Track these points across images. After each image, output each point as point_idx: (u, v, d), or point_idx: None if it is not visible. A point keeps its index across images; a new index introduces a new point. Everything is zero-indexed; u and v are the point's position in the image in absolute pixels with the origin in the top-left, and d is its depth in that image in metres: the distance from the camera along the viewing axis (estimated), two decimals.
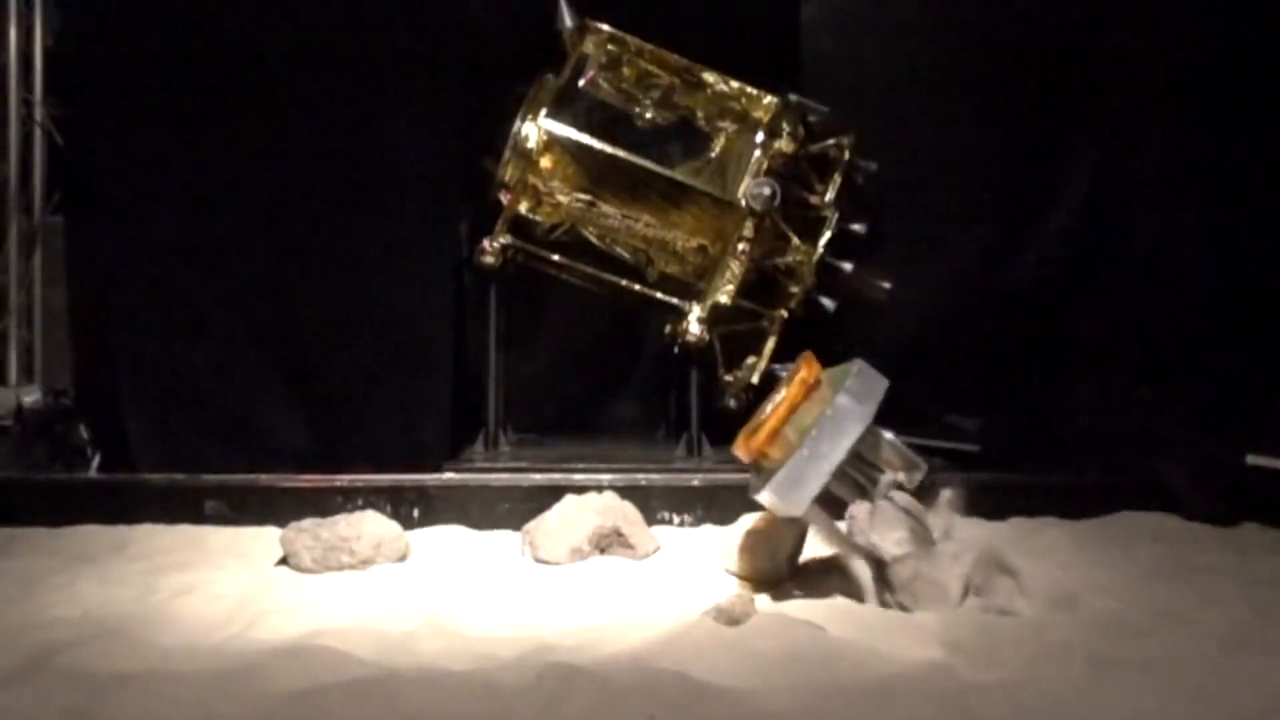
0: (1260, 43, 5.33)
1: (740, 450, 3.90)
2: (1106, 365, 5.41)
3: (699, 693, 2.94)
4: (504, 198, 5.07)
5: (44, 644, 3.30)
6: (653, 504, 4.77)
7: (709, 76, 5.10)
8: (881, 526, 3.82)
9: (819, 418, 3.67)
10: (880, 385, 3.79)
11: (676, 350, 5.17)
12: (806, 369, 3.85)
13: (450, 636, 3.46)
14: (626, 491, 4.63)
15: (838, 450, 3.65)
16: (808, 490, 3.66)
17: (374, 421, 5.21)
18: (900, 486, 3.87)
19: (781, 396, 3.79)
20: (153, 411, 5.25)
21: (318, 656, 3.15)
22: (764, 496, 3.72)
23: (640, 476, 4.88)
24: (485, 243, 5.09)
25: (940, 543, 3.85)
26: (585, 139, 4.89)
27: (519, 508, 4.72)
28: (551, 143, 4.90)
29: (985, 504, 4.86)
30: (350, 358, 5.24)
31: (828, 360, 3.97)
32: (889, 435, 3.88)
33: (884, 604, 3.76)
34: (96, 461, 5.31)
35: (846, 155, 5.18)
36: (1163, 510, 4.90)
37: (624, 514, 4.49)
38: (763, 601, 3.67)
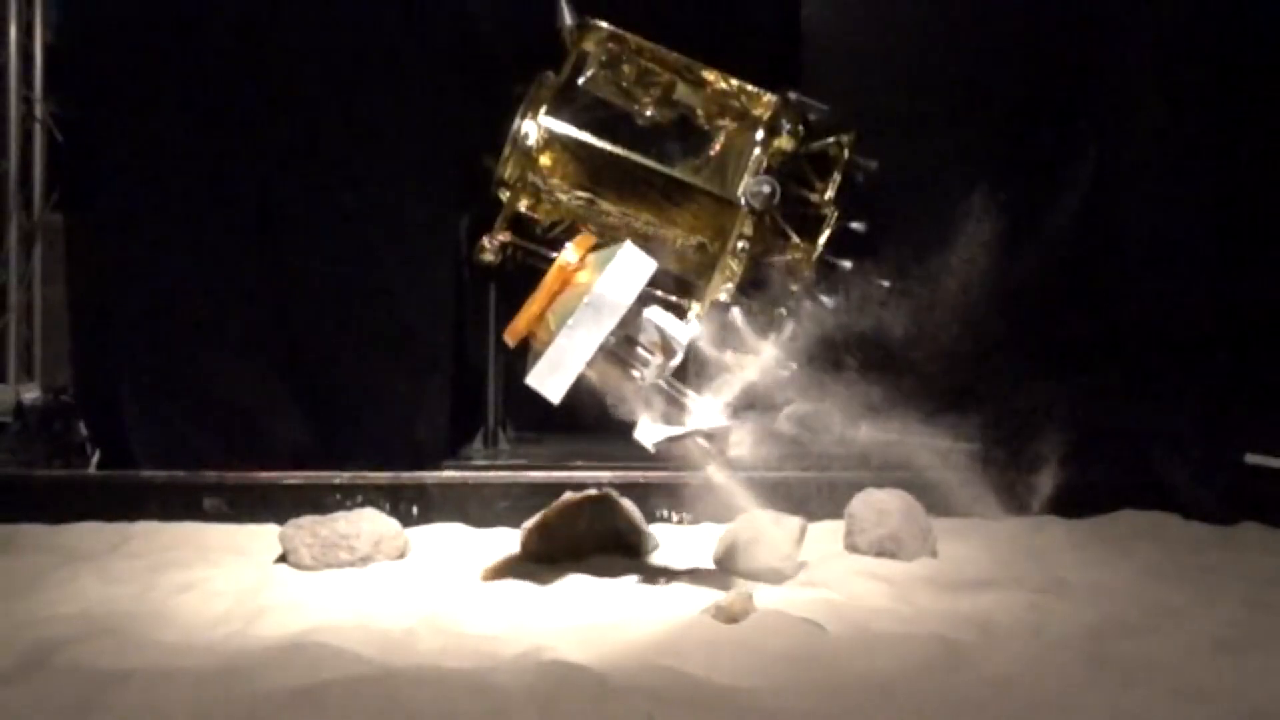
0: (1259, 42, 5.32)
1: (507, 335, 3.90)
2: (1106, 364, 5.41)
3: (698, 691, 2.94)
4: (503, 195, 5.07)
5: (44, 641, 3.30)
6: (652, 501, 4.77)
7: (709, 74, 5.09)
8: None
9: (578, 305, 3.67)
10: (645, 269, 3.78)
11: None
12: (575, 250, 3.85)
13: (449, 634, 3.46)
14: (626, 489, 4.63)
15: (595, 337, 3.67)
16: (566, 375, 3.67)
17: (373, 419, 5.21)
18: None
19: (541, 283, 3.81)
20: (152, 409, 5.25)
21: (316, 654, 3.15)
22: (529, 380, 3.71)
23: (639, 474, 4.88)
24: (485, 240, 5.06)
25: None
26: (585, 137, 4.88)
27: (518, 505, 4.73)
28: (551, 140, 4.89)
29: (985, 502, 4.89)
30: (350, 355, 5.25)
31: None
32: (654, 317, 3.88)
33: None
34: (96, 459, 5.31)
35: (846, 153, 5.17)
36: (1162, 509, 4.91)
37: (623, 512, 4.49)
38: (762, 599, 3.67)
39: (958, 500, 4.71)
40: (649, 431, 3.91)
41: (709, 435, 3.96)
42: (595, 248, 3.99)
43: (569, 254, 3.85)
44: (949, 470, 4.82)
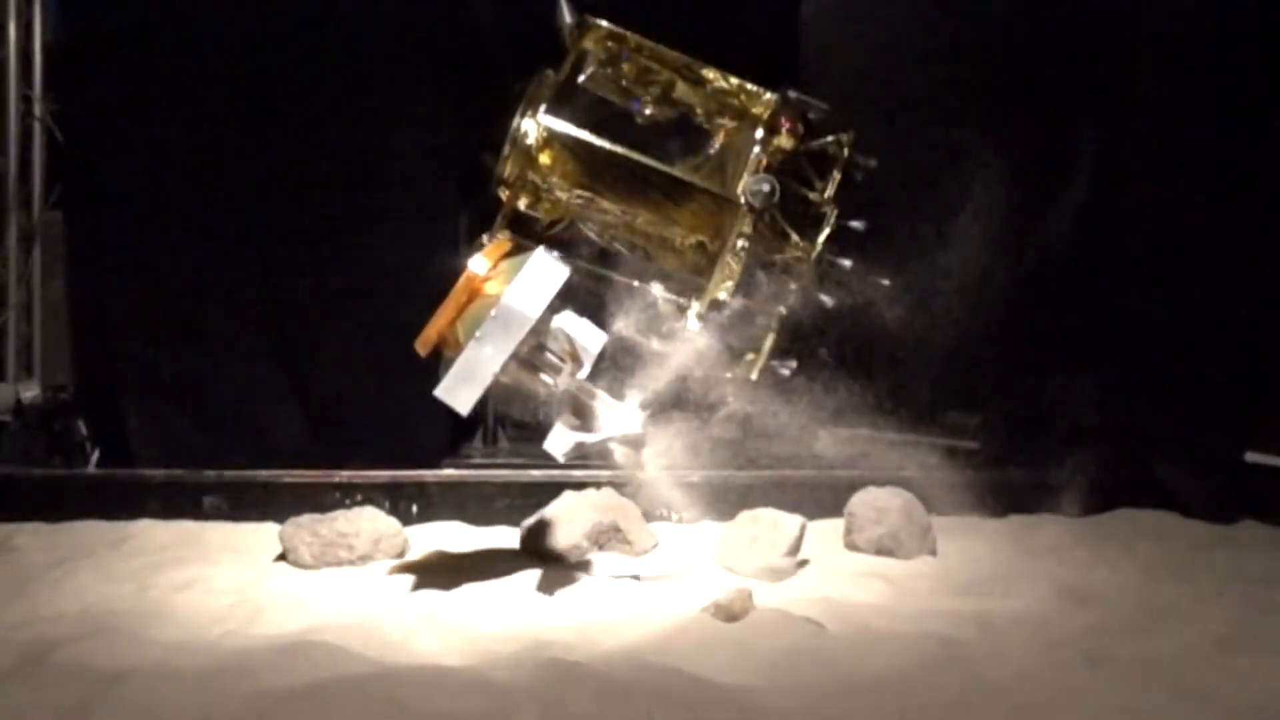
0: (1260, 42, 5.32)
1: (417, 345, 3.87)
2: (1105, 363, 5.41)
3: (698, 689, 2.94)
4: (503, 194, 5.07)
5: (43, 639, 3.30)
6: (651, 500, 4.77)
7: (708, 73, 5.09)
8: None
9: (487, 317, 3.63)
10: (557, 276, 3.74)
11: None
12: (485, 258, 3.80)
13: (448, 633, 3.46)
14: (625, 488, 4.63)
15: (503, 350, 3.62)
16: (475, 388, 3.63)
17: (372, 417, 5.21)
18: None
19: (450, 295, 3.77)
20: (151, 407, 5.25)
21: (316, 652, 3.15)
22: (437, 393, 3.68)
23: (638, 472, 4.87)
24: (484, 238, 5.08)
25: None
26: (584, 135, 4.88)
27: (517, 504, 4.72)
28: (551, 139, 4.88)
29: (985, 501, 4.89)
30: (349, 354, 5.24)
31: None
32: (566, 325, 3.85)
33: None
34: (95, 457, 5.31)
35: (846, 152, 5.17)
36: (1161, 508, 4.91)
37: (622, 510, 4.49)
38: (761, 597, 3.67)
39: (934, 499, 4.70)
40: (558, 441, 3.88)
41: (623, 442, 3.96)
42: (513, 253, 3.91)
43: (477, 263, 3.79)
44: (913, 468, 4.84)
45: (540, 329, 3.73)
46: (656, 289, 4.48)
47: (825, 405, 5.08)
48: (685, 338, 4.22)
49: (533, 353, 3.77)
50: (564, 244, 5.16)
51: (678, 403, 4.34)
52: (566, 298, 3.86)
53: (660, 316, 4.34)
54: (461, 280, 3.76)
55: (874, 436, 5.47)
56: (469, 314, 3.74)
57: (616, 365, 4.11)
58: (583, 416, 3.86)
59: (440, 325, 3.76)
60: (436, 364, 5.29)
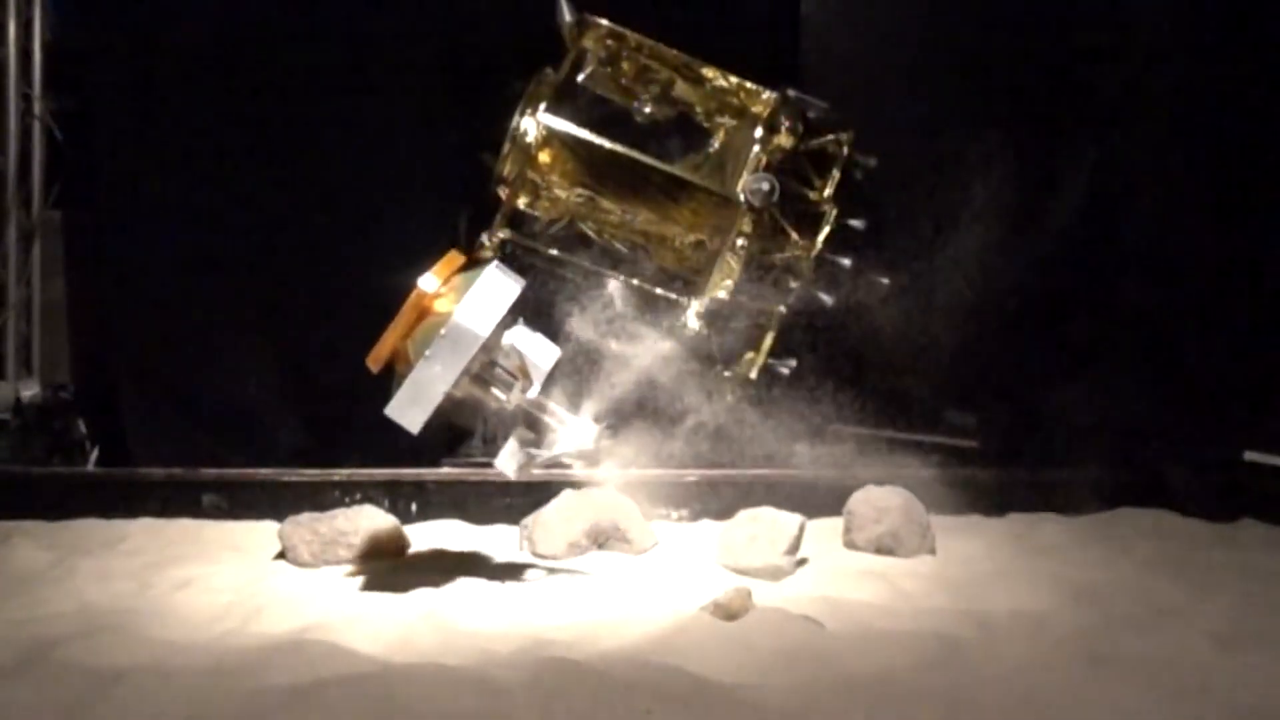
0: (1259, 44, 5.32)
1: (369, 361, 3.84)
2: (1105, 362, 5.41)
3: (697, 687, 2.94)
4: (502, 192, 5.07)
5: (43, 637, 3.30)
6: (650, 499, 4.77)
7: (708, 71, 5.09)
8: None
9: (437, 335, 3.62)
10: (508, 293, 3.72)
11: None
12: (435, 276, 3.76)
13: (448, 631, 3.46)
14: (624, 486, 4.63)
15: (453, 369, 3.62)
16: (425, 407, 3.63)
17: (371, 416, 5.20)
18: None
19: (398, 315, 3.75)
20: (150, 406, 5.25)
21: (315, 651, 3.15)
22: (388, 411, 3.67)
23: (638, 472, 4.88)
24: (484, 237, 5.07)
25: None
26: (584, 134, 4.88)
27: (517, 502, 4.72)
28: (550, 137, 4.88)
29: (985, 500, 4.89)
30: (348, 352, 5.24)
31: None
32: (518, 341, 3.84)
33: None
34: (94, 456, 5.31)
35: (845, 151, 5.17)
36: (1161, 506, 4.91)
37: (622, 509, 4.49)
38: (760, 596, 3.67)
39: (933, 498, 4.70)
40: (509, 459, 3.90)
41: (576, 457, 3.96)
42: (468, 266, 3.88)
43: (427, 281, 3.76)
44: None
45: (492, 345, 3.72)
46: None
47: (825, 404, 5.10)
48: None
49: (484, 368, 3.77)
50: (564, 242, 5.18)
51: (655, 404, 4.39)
52: (520, 311, 3.86)
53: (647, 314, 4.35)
54: (411, 297, 3.74)
55: (873, 435, 5.48)
56: (420, 331, 3.72)
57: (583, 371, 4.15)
58: (535, 432, 3.87)
59: (391, 342, 3.74)
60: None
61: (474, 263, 3.90)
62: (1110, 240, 5.47)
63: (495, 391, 3.80)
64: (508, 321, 3.79)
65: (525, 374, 3.83)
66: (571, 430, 3.90)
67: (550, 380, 3.94)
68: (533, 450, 3.88)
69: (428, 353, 3.61)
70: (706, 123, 5.16)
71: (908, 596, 3.86)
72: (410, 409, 3.63)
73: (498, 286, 3.72)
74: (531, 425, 3.86)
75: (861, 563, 4.28)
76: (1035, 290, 5.50)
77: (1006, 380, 5.49)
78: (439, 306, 3.72)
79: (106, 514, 4.77)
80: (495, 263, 3.81)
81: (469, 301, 3.65)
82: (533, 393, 3.84)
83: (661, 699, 2.85)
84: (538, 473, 3.99)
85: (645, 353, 4.38)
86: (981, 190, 5.50)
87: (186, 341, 5.28)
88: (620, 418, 4.47)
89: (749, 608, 3.53)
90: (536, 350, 3.90)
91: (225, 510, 4.83)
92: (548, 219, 5.16)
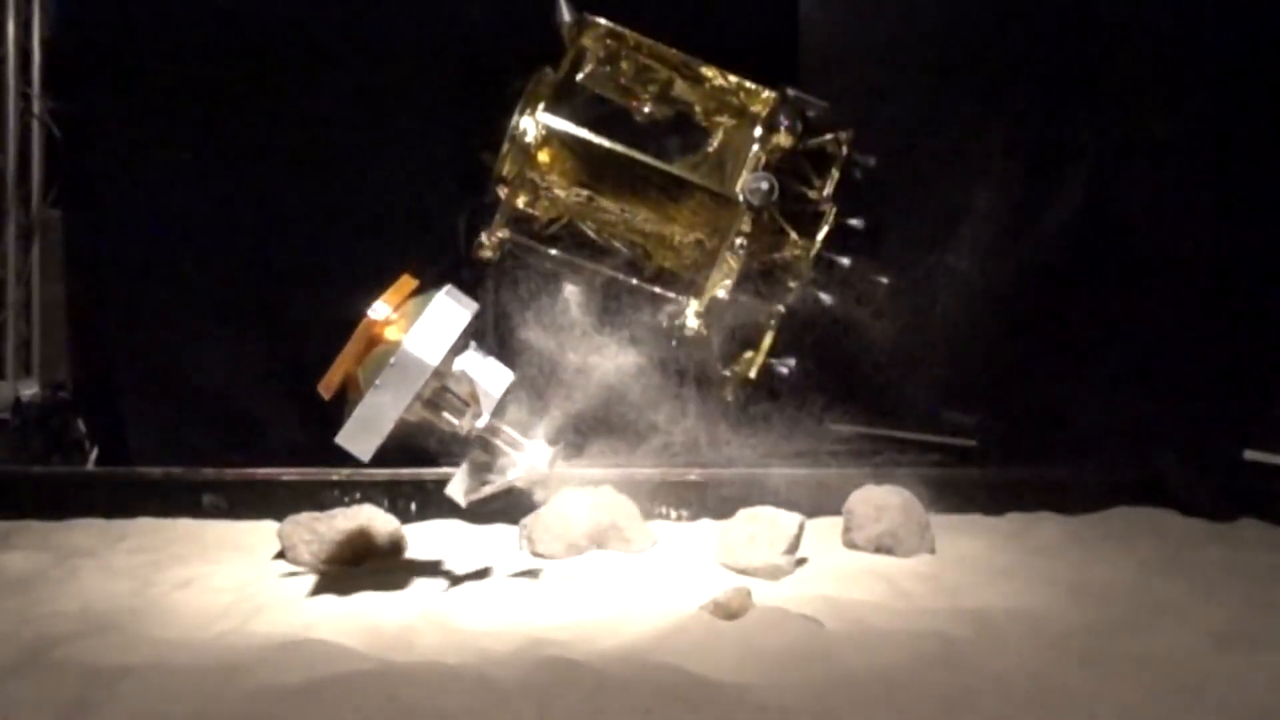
0: (1260, 41, 5.32)
1: (320, 389, 3.82)
2: (1104, 361, 5.41)
3: (696, 687, 2.94)
4: (502, 192, 5.06)
5: (43, 637, 3.31)
6: (650, 498, 4.77)
7: (707, 71, 5.09)
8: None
9: (387, 364, 3.61)
10: (459, 319, 3.71)
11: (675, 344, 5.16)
12: (385, 303, 3.73)
13: (447, 631, 3.46)
14: (623, 486, 4.63)
15: (403, 397, 3.62)
16: (375, 435, 3.63)
17: None
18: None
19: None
20: (150, 405, 5.25)
21: (315, 650, 3.15)
22: (339, 440, 3.66)
23: (637, 471, 4.88)
24: (483, 237, 5.07)
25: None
26: (583, 133, 4.88)
27: (516, 502, 4.71)
28: (549, 137, 4.88)
29: (983, 499, 4.89)
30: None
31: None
32: (469, 367, 3.82)
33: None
34: (94, 455, 5.31)
35: (844, 150, 5.17)
36: (1160, 505, 4.91)
37: (621, 508, 4.49)
38: (760, 595, 3.67)
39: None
40: (459, 486, 3.91)
41: (528, 483, 3.96)
42: (415, 292, 3.85)
43: (377, 309, 3.74)
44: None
45: (443, 372, 3.72)
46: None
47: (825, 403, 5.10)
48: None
49: (436, 394, 3.76)
50: (563, 241, 5.18)
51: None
52: (473, 335, 3.84)
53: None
54: (361, 325, 3.73)
55: (873, 434, 5.48)
56: (371, 359, 3.71)
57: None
58: (488, 456, 3.87)
59: (341, 370, 3.73)
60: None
61: (426, 287, 3.87)
62: (1110, 239, 5.47)
63: (447, 416, 3.79)
64: (459, 347, 3.77)
65: (476, 400, 3.82)
66: (526, 454, 3.90)
67: (504, 403, 3.92)
68: (485, 476, 3.89)
69: (378, 381, 3.60)
70: (705, 122, 5.16)
71: (907, 596, 3.86)
72: (361, 437, 3.63)
73: (448, 313, 3.71)
74: (483, 452, 3.87)
75: (861, 562, 4.28)
76: (1035, 289, 5.50)
77: (1006, 379, 5.49)
78: (389, 334, 3.71)
79: (106, 514, 4.77)
80: (447, 288, 3.79)
81: (419, 330, 3.65)
82: (484, 419, 3.82)
83: (661, 698, 2.85)
84: (487, 493, 3.98)
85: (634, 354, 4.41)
86: (981, 189, 5.51)
87: (186, 341, 5.28)
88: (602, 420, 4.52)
89: (748, 607, 3.53)
90: (489, 376, 3.88)
91: (225, 510, 4.83)
92: (547, 218, 5.16)
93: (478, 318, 3.80)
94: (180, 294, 5.30)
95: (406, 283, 3.85)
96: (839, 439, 5.51)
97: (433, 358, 3.63)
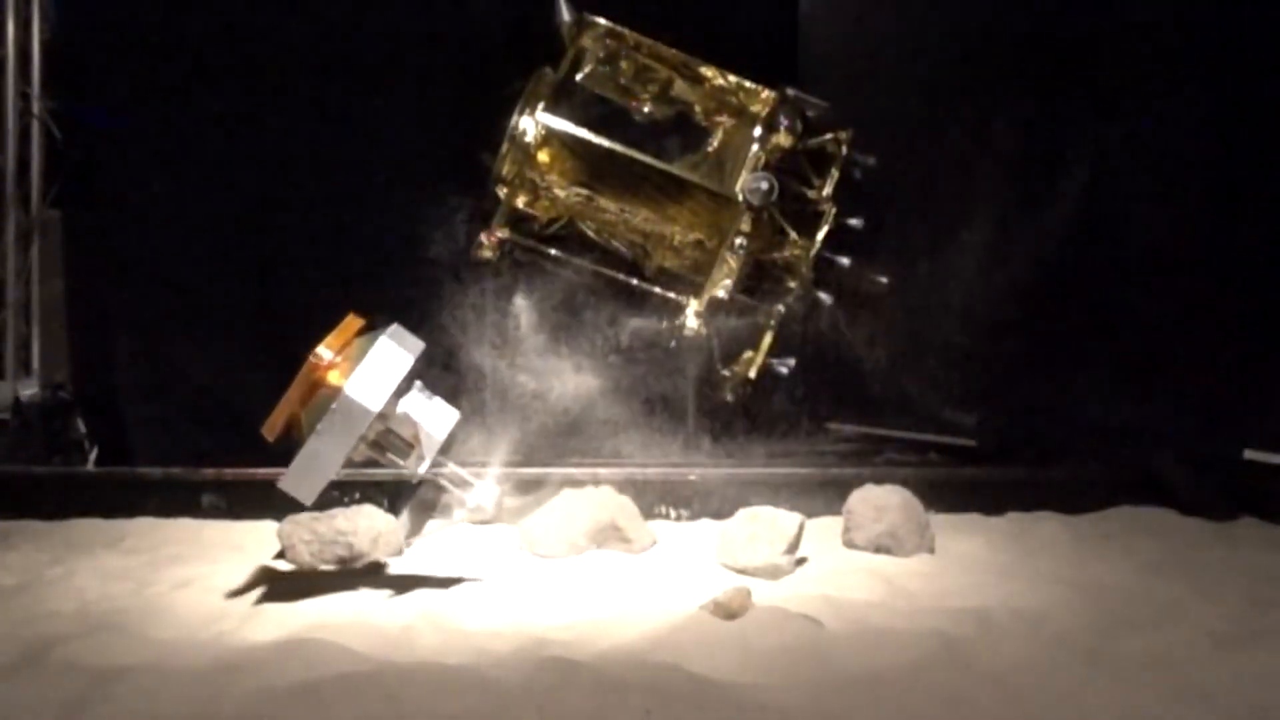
0: (1260, 42, 5.31)
1: (264, 431, 3.84)
2: (1104, 361, 5.41)
3: (696, 686, 2.94)
4: (501, 192, 5.07)
5: (42, 636, 3.31)
6: (649, 498, 4.77)
7: (707, 71, 5.10)
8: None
9: (329, 409, 3.60)
10: (401, 363, 3.68)
11: (674, 344, 5.17)
12: (328, 348, 3.72)
13: (447, 630, 3.46)
14: (624, 486, 4.63)
15: (345, 442, 3.61)
16: (319, 480, 3.62)
17: None
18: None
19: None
20: (150, 405, 5.24)
21: (314, 650, 3.15)
22: (280, 485, 3.66)
23: (637, 471, 4.88)
24: (483, 236, 5.08)
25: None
26: (583, 133, 4.89)
27: (516, 503, 4.71)
28: (549, 137, 4.89)
29: (983, 499, 4.89)
30: None
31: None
32: (412, 409, 3.80)
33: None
34: (94, 455, 5.31)
35: (844, 150, 5.17)
36: (1160, 505, 4.91)
37: (621, 508, 4.49)
38: (760, 595, 3.67)
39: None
40: (399, 530, 4.00)
41: (472, 521, 4.04)
42: (364, 332, 3.84)
43: (321, 352, 3.72)
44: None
45: (387, 414, 3.70)
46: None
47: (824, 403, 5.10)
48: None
49: (381, 435, 3.75)
50: (562, 241, 5.18)
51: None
52: (417, 374, 3.83)
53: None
54: (304, 368, 3.72)
55: (874, 434, 5.48)
56: (314, 402, 3.70)
57: None
58: (433, 496, 3.88)
59: (284, 413, 3.73)
60: (437, 366, 5.31)
61: (372, 327, 3.84)
62: (1111, 238, 5.47)
63: (391, 457, 3.79)
64: (404, 389, 3.75)
65: (419, 441, 3.81)
66: (472, 494, 3.92)
67: (449, 441, 3.92)
68: (430, 515, 3.89)
69: (320, 426, 3.59)
70: (705, 122, 5.16)
71: (907, 595, 3.86)
72: (303, 481, 3.62)
73: (391, 357, 3.68)
74: (427, 493, 3.88)
75: (860, 561, 4.27)
76: (1035, 289, 5.50)
77: (1006, 379, 5.49)
78: (332, 378, 3.70)
79: (106, 513, 4.77)
80: (392, 329, 3.76)
81: (360, 375, 3.62)
82: (427, 462, 3.81)
83: (661, 698, 2.85)
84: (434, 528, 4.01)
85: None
86: (980, 189, 5.51)
87: (185, 341, 5.28)
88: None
89: (748, 607, 3.53)
90: (432, 418, 3.85)
91: (225, 510, 4.83)
92: (547, 218, 5.16)
93: (421, 358, 3.76)
94: (180, 294, 5.30)
95: (352, 323, 3.83)
96: (840, 438, 5.52)
97: (374, 404, 3.61)
